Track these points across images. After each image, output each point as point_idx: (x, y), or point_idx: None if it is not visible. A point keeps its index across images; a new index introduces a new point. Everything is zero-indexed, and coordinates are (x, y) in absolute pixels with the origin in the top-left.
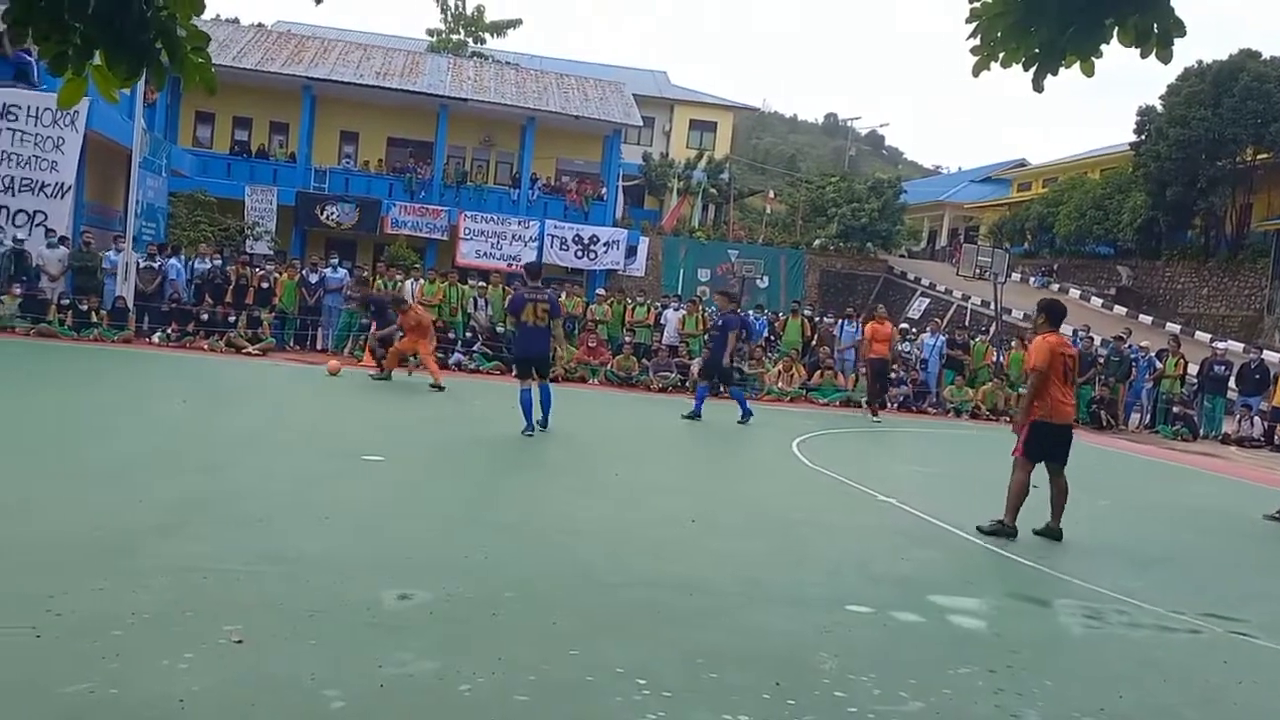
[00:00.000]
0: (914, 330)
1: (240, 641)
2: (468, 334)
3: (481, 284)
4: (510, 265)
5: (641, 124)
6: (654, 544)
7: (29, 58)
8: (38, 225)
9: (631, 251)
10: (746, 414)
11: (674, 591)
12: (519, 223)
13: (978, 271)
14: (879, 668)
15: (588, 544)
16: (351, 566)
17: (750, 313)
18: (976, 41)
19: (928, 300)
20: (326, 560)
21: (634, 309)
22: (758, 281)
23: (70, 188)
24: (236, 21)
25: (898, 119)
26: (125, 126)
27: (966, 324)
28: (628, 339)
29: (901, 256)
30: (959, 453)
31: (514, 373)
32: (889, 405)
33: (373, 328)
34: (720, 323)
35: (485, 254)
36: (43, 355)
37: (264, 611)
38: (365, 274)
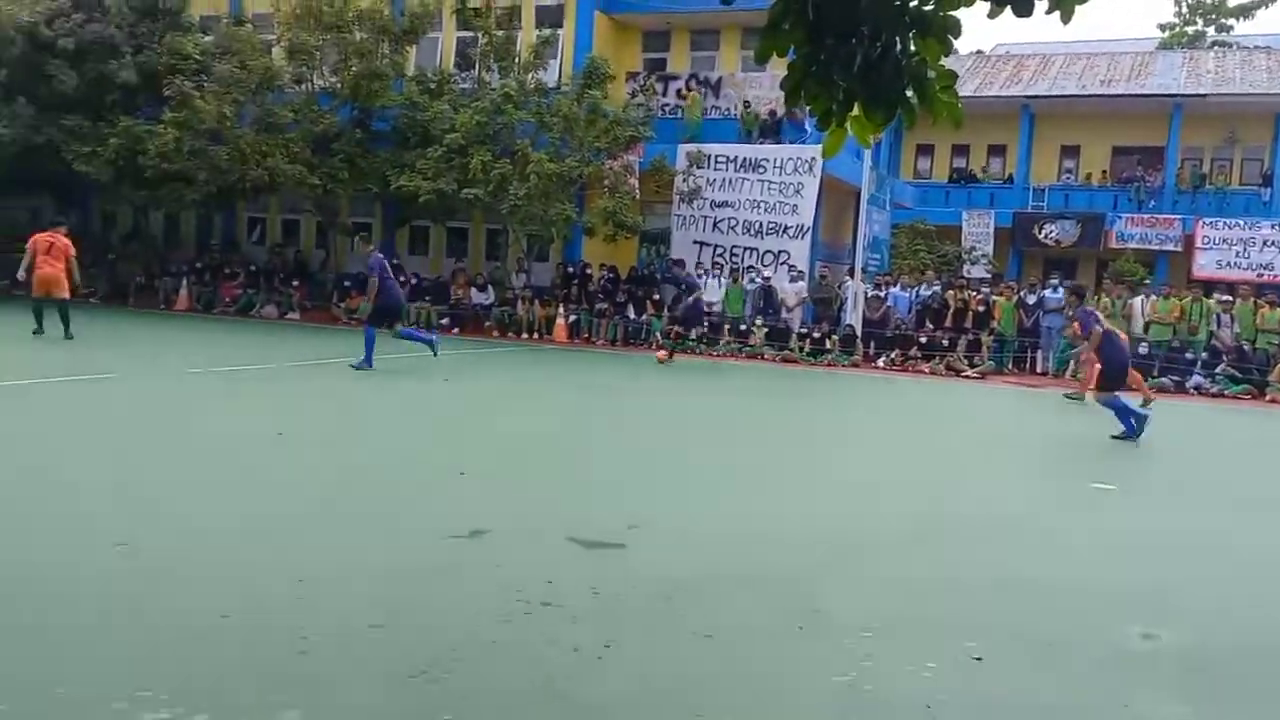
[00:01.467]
0: None
1: (980, 659)
2: (1205, 354)
3: (1226, 299)
4: (1260, 276)
5: None
6: None
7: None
8: (781, 264)
9: None
10: None
11: None
12: (1272, 226)
13: None
14: None
15: None
16: (1090, 598)
17: None
18: None
19: None
20: (1062, 588)
21: None
22: None
23: (809, 228)
24: (955, 51)
25: None
26: (854, 167)
27: None
28: None
29: None
30: None
31: (1109, 387)
32: None
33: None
34: None
35: (1228, 264)
36: (787, 379)
37: (1001, 633)
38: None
